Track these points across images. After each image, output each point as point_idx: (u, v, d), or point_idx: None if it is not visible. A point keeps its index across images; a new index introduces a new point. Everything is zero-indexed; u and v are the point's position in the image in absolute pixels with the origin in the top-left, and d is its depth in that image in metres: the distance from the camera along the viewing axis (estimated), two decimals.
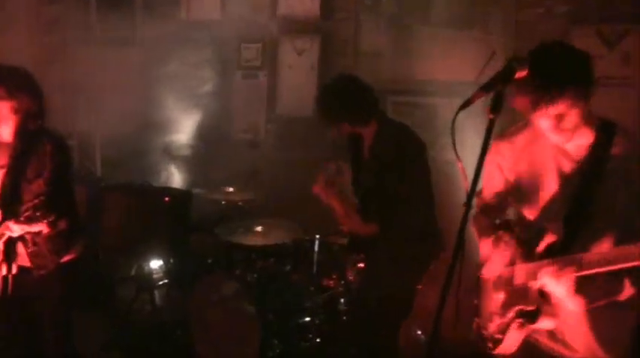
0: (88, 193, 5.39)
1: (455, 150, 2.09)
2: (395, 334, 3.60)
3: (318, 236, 4.38)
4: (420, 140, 3.39)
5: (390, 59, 5.26)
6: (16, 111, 3.13)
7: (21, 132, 3.19)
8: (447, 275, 2.03)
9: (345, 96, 3.33)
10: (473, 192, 2.02)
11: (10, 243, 3.15)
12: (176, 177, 6.26)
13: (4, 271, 3.18)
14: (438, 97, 4.90)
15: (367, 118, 3.38)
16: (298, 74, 5.65)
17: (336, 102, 3.35)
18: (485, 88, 2.04)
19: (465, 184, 2.04)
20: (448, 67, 4.80)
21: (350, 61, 5.41)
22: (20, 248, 3.19)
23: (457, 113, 2.05)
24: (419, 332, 4.34)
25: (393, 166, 3.25)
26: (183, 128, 6.23)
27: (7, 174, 3.17)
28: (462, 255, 2.04)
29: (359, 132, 3.47)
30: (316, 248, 4.36)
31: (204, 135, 6.21)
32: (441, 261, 3.42)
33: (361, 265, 4.09)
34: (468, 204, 2.04)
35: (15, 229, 3.07)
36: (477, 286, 2.72)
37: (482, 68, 4.10)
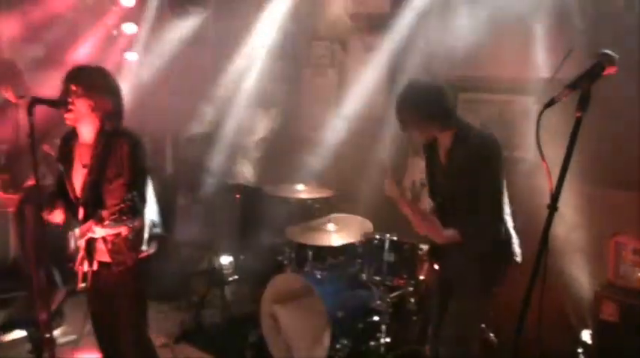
0: (159, 190, 5.50)
1: (540, 149, 2.03)
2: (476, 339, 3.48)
3: (388, 235, 4.35)
4: (498, 143, 3.19)
5: (460, 55, 5.15)
6: (94, 110, 3.20)
7: (100, 132, 3.25)
8: (531, 277, 1.98)
9: (435, 98, 3.17)
10: (559, 192, 1.96)
11: (91, 240, 3.25)
12: (246, 175, 6.32)
13: (85, 267, 3.29)
14: (511, 94, 4.76)
15: (452, 121, 3.22)
16: (368, 71, 5.61)
17: (425, 105, 3.17)
18: (572, 86, 1.98)
19: (550, 185, 1.98)
20: (522, 64, 4.65)
21: (419, 59, 5.32)
22: (100, 244, 3.27)
23: (542, 111, 1.99)
24: (491, 335, 4.25)
25: (475, 170, 3.08)
26: (254, 125, 6.28)
27: (89, 174, 3.25)
28: (546, 257, 1.98)
29: (436, 137, 3.30)
30: (386, 247, 4.33)
31: (274, 133, 6.25)
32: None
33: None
34: (552, 206, 1.97)
35: (98, 232, 3.15)
36: None
37: (560, 65, 3.94)
